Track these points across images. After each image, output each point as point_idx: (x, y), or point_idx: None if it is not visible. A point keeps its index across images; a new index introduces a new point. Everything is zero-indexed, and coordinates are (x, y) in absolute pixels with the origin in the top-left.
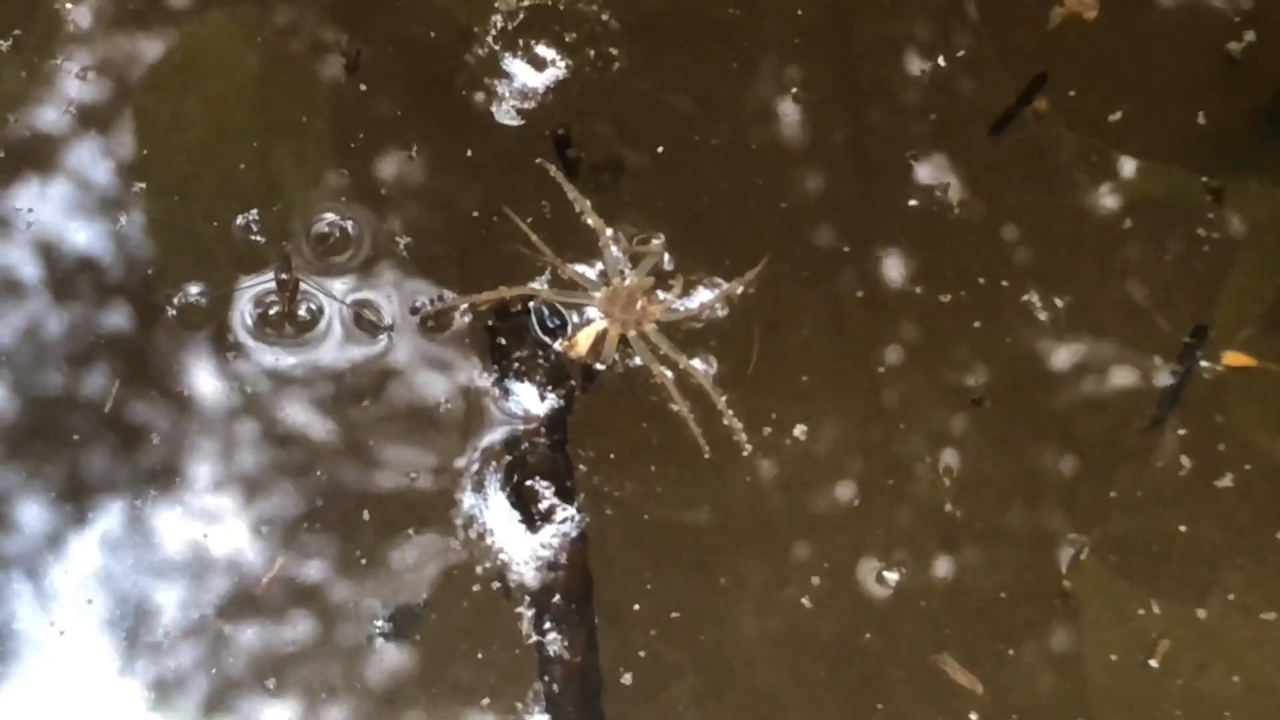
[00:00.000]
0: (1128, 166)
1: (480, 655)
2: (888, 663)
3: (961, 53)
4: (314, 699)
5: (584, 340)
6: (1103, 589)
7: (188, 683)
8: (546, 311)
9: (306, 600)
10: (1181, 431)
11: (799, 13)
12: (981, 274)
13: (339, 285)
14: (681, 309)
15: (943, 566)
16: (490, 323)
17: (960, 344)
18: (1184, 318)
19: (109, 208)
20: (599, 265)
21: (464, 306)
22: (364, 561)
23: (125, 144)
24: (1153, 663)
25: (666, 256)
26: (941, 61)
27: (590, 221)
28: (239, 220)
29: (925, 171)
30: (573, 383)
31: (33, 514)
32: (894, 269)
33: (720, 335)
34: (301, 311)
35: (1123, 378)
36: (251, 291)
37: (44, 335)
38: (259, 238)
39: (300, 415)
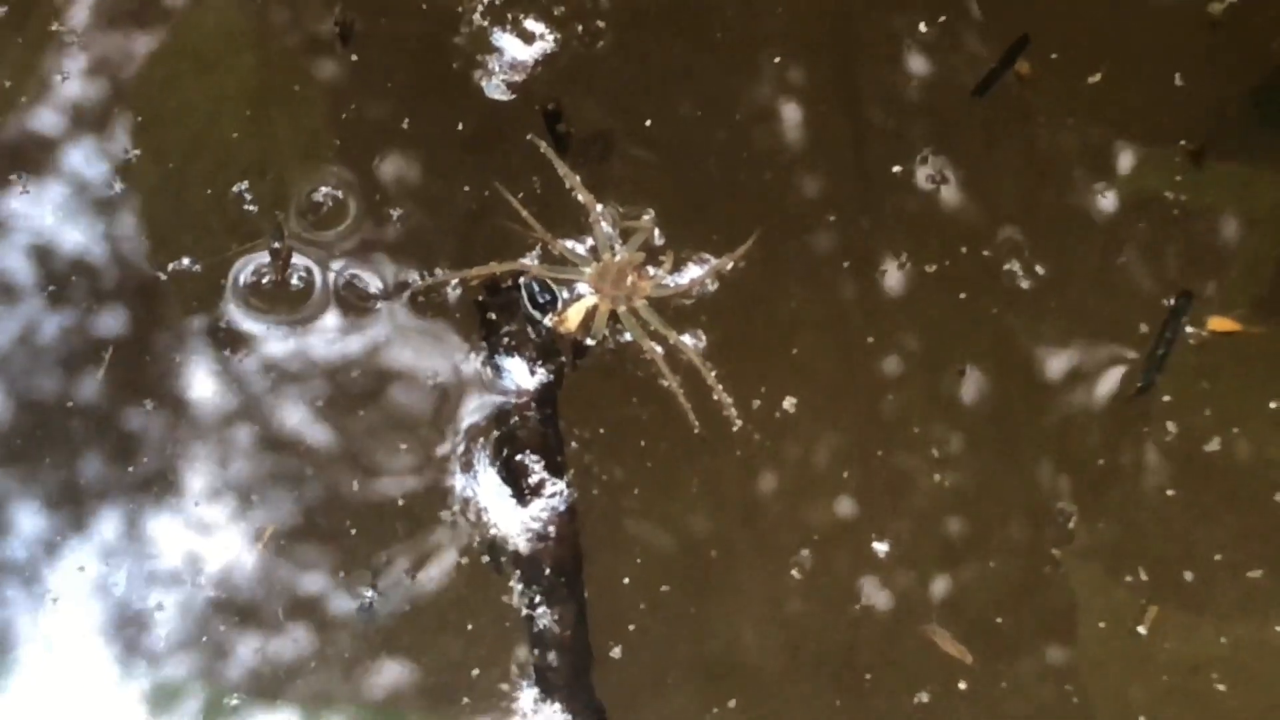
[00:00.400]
0: (1108, 131)
1: (470, 626)
2: (876, 633)
3: (943, 18)
4: (302, 668)
5: (574, 315)
6: (1091, 556)
7: (177, 647)
8: (537, 287)
9: (296, 570)
10: (1167, 398)
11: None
12: (963, 242)
13: (331, 256)
14: (671, 285)
15: (933, 537)
16: (481, 298)
17: (949, 315)
18: (1167, 285)
19: (104, 178)
20: (589, 241)
21: (455, 282)
22: (353, 531)
23: (121, 113)
24: (1141, 629)
25: (657, 232)
26: (923, 27)
27: (580, 197)
28: (233, 190)
29: (917, 146)
30: (563, 358)
31: (28, 518)
32: (883, 242)
33: (710, 311)
34: (294, 281)
35: (1108, 346)
36: (244, 260)
37: (38, 327)
38: (252, 207)
39: (290, 387)
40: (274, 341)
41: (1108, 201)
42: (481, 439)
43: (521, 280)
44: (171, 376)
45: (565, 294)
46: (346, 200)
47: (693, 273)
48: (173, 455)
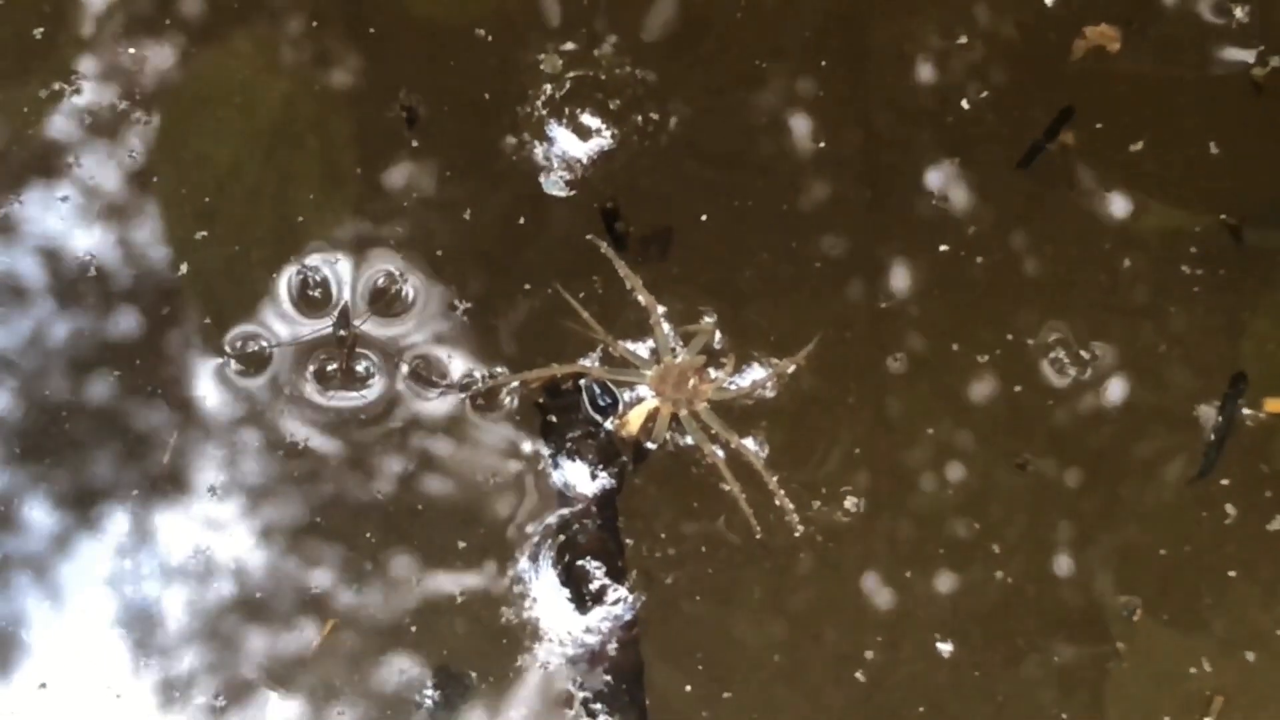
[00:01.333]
0: (1146, 201)
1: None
2: None
3: (985, 93)
4: None
5: (635, 419)
6: (1155, 650)
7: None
8: (598, 389)
9: (354, 666)
10: (1225, 481)
11: (822, 63)
12: (1009, 330)
13: (397, 344)
14: (733, 388)
15: (997, 632)
16: (541, 400)
17: (999, 402)
18: (1218, 364)
19: (173, 255)
20: (650, 343)
21: (515, 384)
22: (414, 630)
23: (187, 193)
24: None
25: (717, 335)
26: (965, 105)
27: (641, 299)
28: (295, 272)
29: (957, 208)
30: (624, 461)
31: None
32: (935, 331)
33: (772, 414)
34: (360, 368)
35: (1163, 431)
36: (309, 345)
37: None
38: (315, 292)
39: (352, 478)
40: (332, 430)
41: (1148, 280)
42: (545, 543)
43: (582, 383)
44: (234, 461)
45: (626, 397)
46: (411, 289)
47: (754, 375)
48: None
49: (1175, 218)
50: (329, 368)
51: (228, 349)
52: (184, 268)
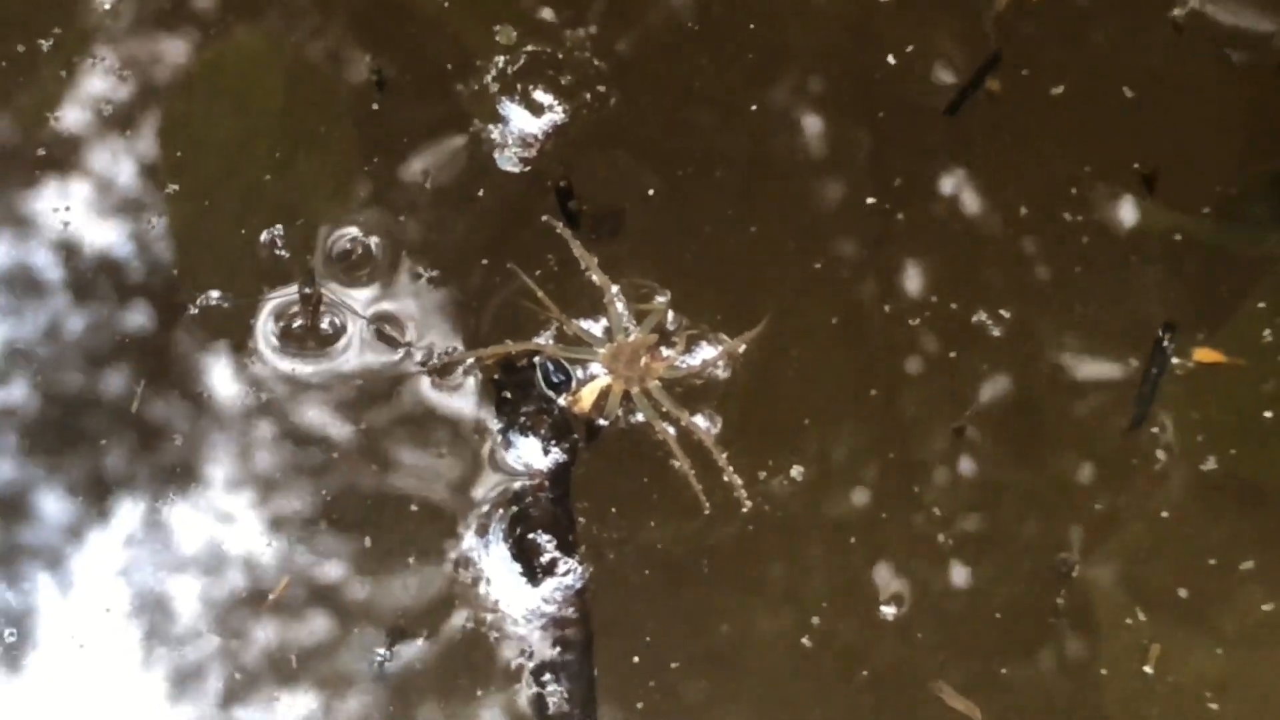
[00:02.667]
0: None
1: (479, 693)
2: (887, 697)
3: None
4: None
5: (588, 396)
6: (1094, 602)
7: (203, 679)
8: (551, 367)
9: (307, 622)
10: (1156, 430)
11: (751, 26)
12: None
13: (359, 303)
14: (684, 366)
15: (934, 593)
16: (496, 376)
17: (949, 374)
18: (1145, 316)
19: (140, 208)
20: (603, 321)
21: (470, 360)
22: (365, 589)
23: (157, 146)
24: (1147, 669)
25: (670, 314)
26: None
27: (596, 279)
28: (264, 234)
29: (945, 186)
30: (576, 437)
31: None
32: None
33: (722, 392)
34: (324, 325)
35: (1097, 382)
36: (274, 304)
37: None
38: (283, 252)
39: (312, 432)
40: (299, 384)
41: (1070, 230)
42: (496, 515)
43: (536, 360)
44: (195, 413)
45: (579, 374)
46: (375, 248)
47: (705, 354)
48: (196, 466)
49: (1092, 167)
50: (295, 325)
51: (194, 308)
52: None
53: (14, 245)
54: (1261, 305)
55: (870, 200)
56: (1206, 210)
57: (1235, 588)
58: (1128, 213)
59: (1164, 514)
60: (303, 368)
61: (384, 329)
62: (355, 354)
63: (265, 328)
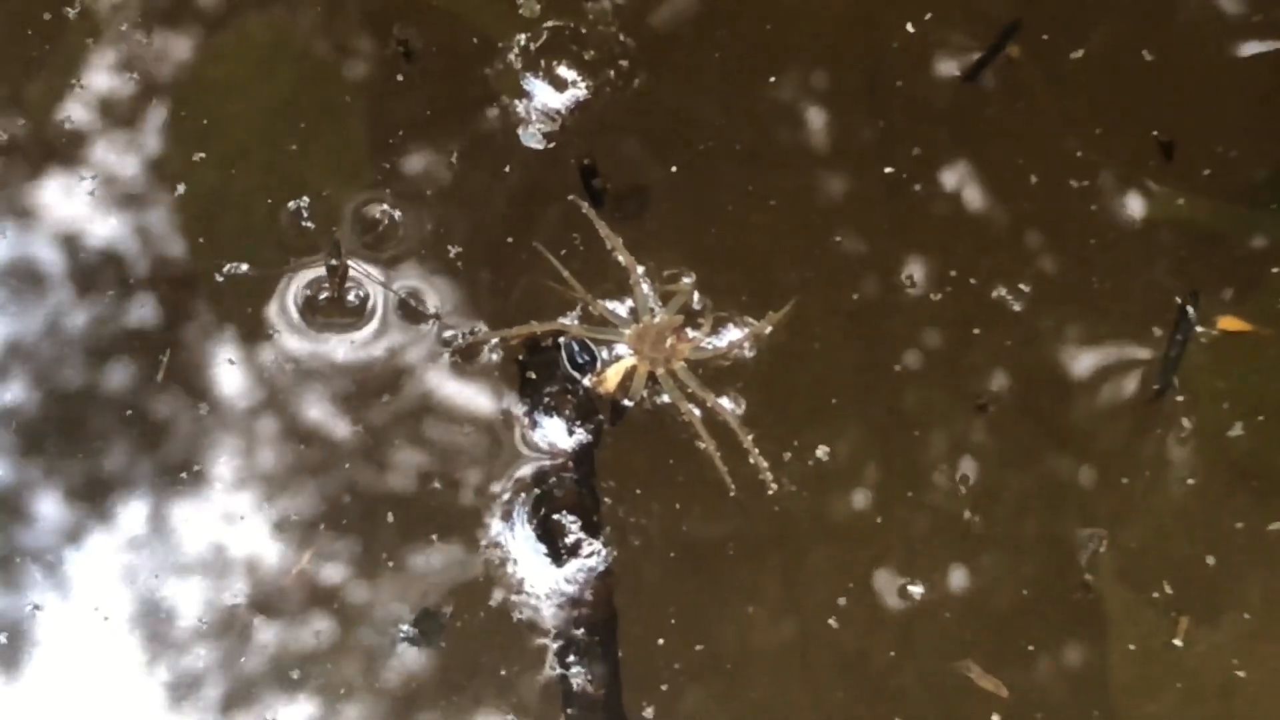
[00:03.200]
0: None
1: (503, 673)
2: (912, 679)
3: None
4: (334, 699)
5: (613, 376)
6: (1121, 577)
7: (208, 680)
8: (576, 347)
9: (331, 598)
10: (1182, 398)
11: (819, 30)
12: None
13: (386, 274)
14: (710, 347)
15: (961, 572)
16: (521, 357)
17: (971, 348)
18: (1168, 285)
19: (164, 179)
20: (629, 302)
21: (495, 340)
22: (390, 564)
23: (180, 120)
24: (1176, 642)
25: (696, 295)
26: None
27: (621, 259)
28: (290, 205)
29: (951, 180)
30: (601, 418)
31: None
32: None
33: (748, 374)
34: (350, 298)
35: (1121, 354)
36: (300, 275)
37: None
38: (309, 224)
39: (330, 416)
40: (320, 361)
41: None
42: (521, 496)
43: (561, 340)
44: (219, 382)
45: (604, 355)
46: (399, 225)
47: (731, 335)
48: (202, 457)
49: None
50: (320, 297)
51: (220, 277)
52: (180, 188)
53: (18, 236)
54: None
55: (888, 170)
56: (1225, 186)
57: (1263, 553)
58: (1147, 182)
59: (1190, 481)
60: (326, 344)
61: (410, 300)
62: (381, 327)
63: (291, 300)
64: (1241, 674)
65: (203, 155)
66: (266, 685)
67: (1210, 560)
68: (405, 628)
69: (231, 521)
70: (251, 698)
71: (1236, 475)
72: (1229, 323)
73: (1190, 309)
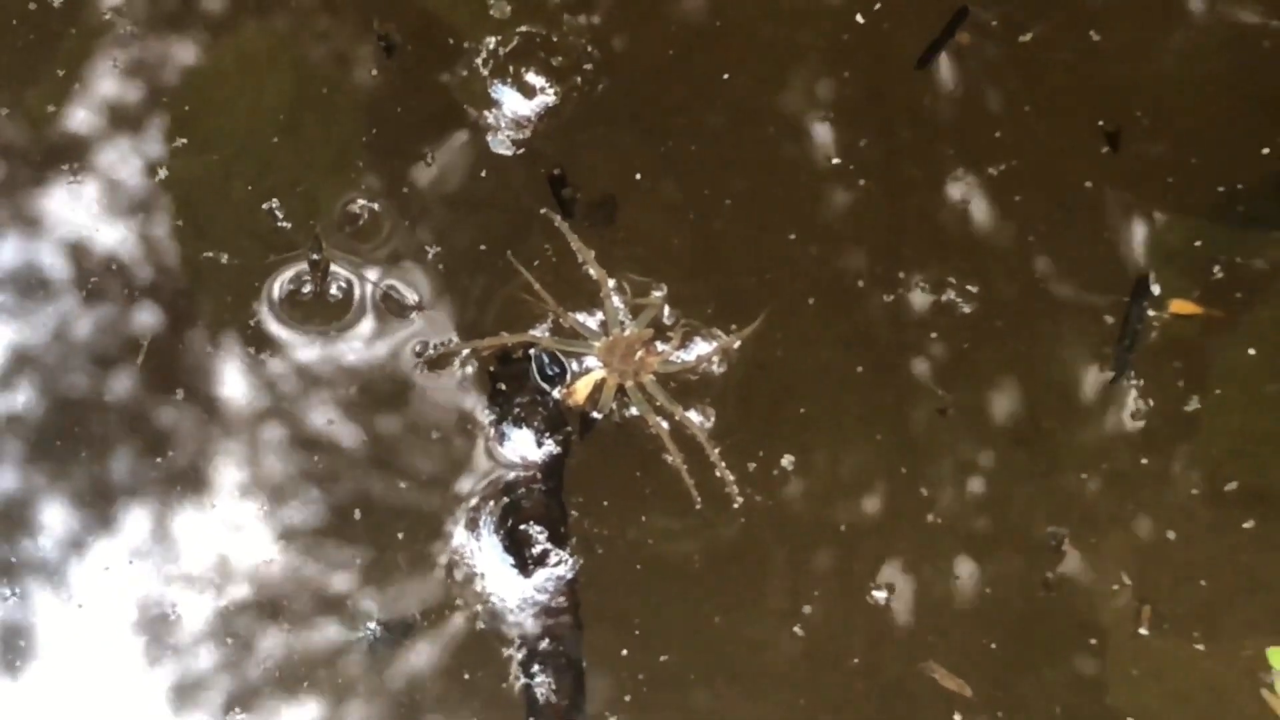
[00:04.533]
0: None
1: (467, 677)
2: (876, 682)
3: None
4: (296, 695)
5: (582, 389)
6: (1083, 572)
7: (196, 675)
8: (546, 359)
9: (300, 590)
10: (1139, 382)
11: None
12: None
13: (368, 266)
14: (678, 361)
15: (925, 574)
16: (492, 368)
17: (929, 350)
18: (1118, 271)
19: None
20: (599, 314)
21: (466, 351)
22: (358, 562)
23: (166, 110)
24: (1142, 630)
25: (666, 309)
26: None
27: (593, 272)
28: (269, 202)
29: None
30: (570, 430)
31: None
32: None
33: (716, 387)
34: (333, 290)
35: (1074, 339)
36: (281, 271)
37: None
38: (286, 224)
39: (303, 412)
40: (300, 363)
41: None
42: (487, 509)
43: (532, 352)
44: (202, 374)
45: (574, 367)
46: (380, 216)
47: (700, 349)
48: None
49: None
50: (304, 290)
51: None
52: (161, 172)
53: (24, 241)
54: (1238, 260)
55: (835, 161)
56: (1174, 173)
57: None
58: (1093, 168)
59: (1144, 461)
60: (307, 341)
61: (392, 293)
62: (360, 323)
63: (272, 295)
64: (1200, 647)
65: (184, 141)
66: (227, 682)
67: (1171, 535)
68: (372, 626)
69: (210, 497)
70: (203, 696)
71: (1197, 449)
72: (1180, 306)
73: (1142, 293)
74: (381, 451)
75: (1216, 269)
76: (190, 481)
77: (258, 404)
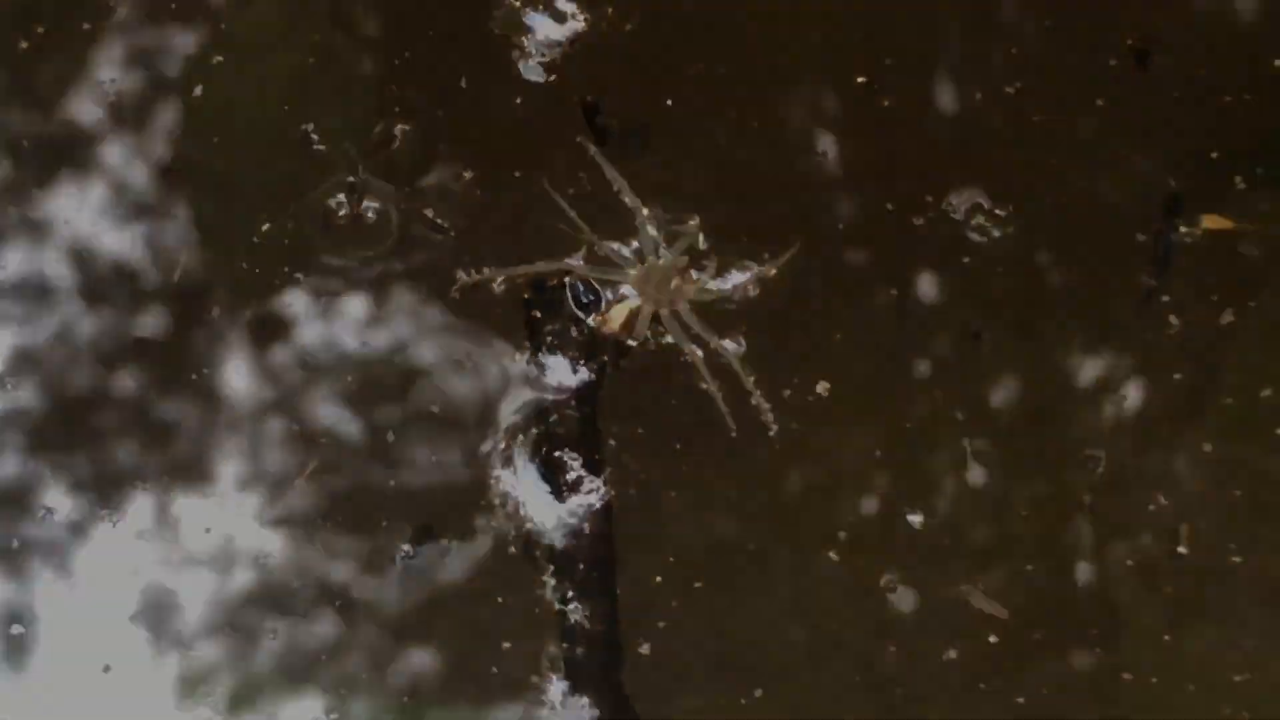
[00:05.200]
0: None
1: (501, 600)
2: (907, 609)
3: None
4: (330, 609)
5: (617, 316)
6: (1120, 493)
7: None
8: (581, 287)
9: (332, 511)
10: (1166, 298)
11: None
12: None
13: (401, 191)
14: (714, 289)
15: (959, 496)
16: (526, 296)
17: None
18: (1148, 189)
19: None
20: (635, 243)
21: (501, 279)
22: (392, 484)
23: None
24: (1181, 549)
25: (701, 237)
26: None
27: (628, 200)
28: (301, 128)
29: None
30: (605, 358)
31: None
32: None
33: (751, 316)
34: (368, 215)
35: (1105, 256)
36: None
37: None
38: (321, 146)
39: (337, 336)
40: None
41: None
42: (521, 435)
43: (567, 280)
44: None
45: (609, 295)
46: (412, 140)
47: (735, 278)
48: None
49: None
50: (340, 214)
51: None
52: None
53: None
54: (1260, 171)
55: (860, 79)
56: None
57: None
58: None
59: (1177, 377)
60: (341, 264)
61: (427, 214)
62: (396, 247)
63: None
64: (1237, 559)
65: (220, 59)
66: (263, 599)
67: (1208, 448)
68: (406, 548)
69: (240, 440)
70: (246, 611)
71: (1235, 353)
72: (1213, 220)
73: (1173, 208)
74: (416, 377)
75: (1238, 180)
76: (226, 394)
77: (296, 329)
